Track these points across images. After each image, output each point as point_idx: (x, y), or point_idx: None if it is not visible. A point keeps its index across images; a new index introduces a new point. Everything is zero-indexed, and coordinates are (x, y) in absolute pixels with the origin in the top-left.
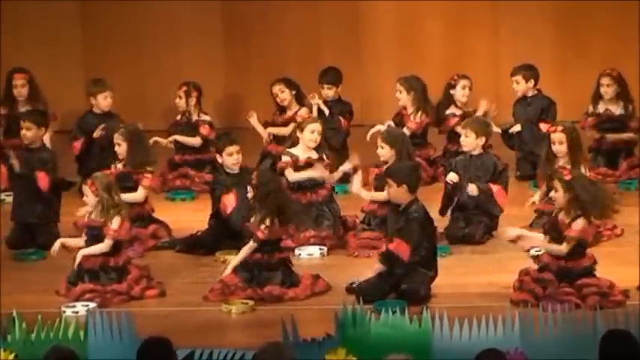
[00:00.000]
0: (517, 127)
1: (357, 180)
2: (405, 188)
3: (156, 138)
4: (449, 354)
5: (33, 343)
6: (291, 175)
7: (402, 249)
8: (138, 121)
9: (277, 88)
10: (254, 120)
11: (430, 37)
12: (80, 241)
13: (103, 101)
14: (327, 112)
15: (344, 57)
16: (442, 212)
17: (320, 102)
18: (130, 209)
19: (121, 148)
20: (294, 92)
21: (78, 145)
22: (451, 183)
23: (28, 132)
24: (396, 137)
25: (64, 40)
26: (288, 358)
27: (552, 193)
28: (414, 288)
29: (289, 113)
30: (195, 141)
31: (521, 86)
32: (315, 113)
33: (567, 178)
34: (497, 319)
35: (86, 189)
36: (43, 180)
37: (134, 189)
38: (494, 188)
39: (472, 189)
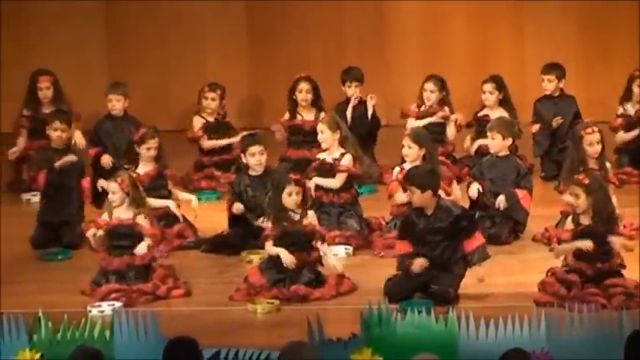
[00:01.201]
0: (536, 127)
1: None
2: (430, 194)
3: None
4: (474, 354)
5: (59, 342)
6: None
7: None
8: (157, 122)
9: (304, 87)
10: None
11: (454, 36)
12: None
13: (117, 104)
14: (370, 108)
15: (368, 57)
16: None
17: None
18: (155, 209)
19: (152, 150)
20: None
21: (93, 152)
22: (473, 198)
23: (58, 133)
24: (425, 137)
25: (88, 40)
26: (313, 357)
27: (572, 199)
28: (445, 290)
29: (308, 117)
30: (235, 139)
31: (552, 85)
32: (350, 112)
33: (586, 182)
34: (523, 319)
35: (115, 186)
36: (85, 185)
37: (163, 188)
38: (520, 194)
39: (501, 201)
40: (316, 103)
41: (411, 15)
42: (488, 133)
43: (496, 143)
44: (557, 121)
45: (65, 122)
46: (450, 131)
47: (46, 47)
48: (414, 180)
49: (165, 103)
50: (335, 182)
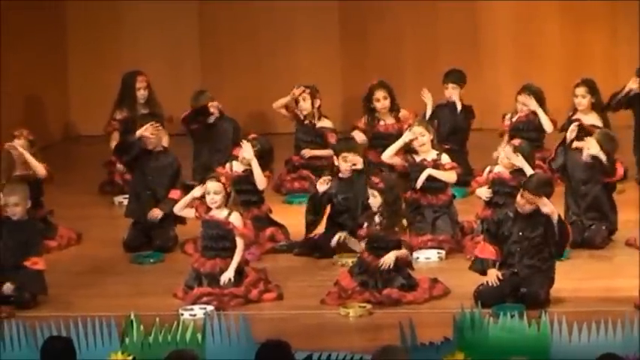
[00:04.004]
0: None
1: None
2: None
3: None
4: (567, 358)
5: (150, 346)
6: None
7: None
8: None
9: (381, 95)
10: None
11: (547, 38)
12: (191, 212)
13: (214, 111)
14: (459, 106)
15: (461, 58)
16: None
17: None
18: (248, 211)
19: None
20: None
21: None
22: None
23: (154, 136)
24: (530, 149)
25: (181, 40)
26: None
27: None
28: (534, 292)
29: (389, 121)
30: (327, 152)
31: None
32: (429, 111)
33: None
34: (617, 323)
35: (218, 185)
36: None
37: (252, 192)
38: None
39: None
40: (393, 107)
41: (503, 17)
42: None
43: (593, 153)
44: None
45: (158, 124)
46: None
47: (139, 48)
48: (537, 189)
49: (257, 104)
50: (451, 176)
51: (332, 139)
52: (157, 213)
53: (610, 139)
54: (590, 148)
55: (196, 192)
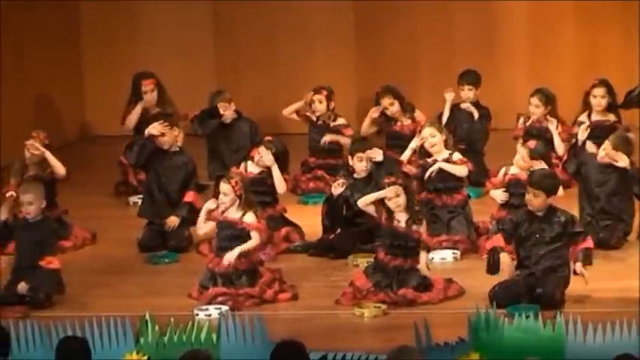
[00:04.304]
0: None
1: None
2: (553, 197)
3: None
4: (582, 359)
5: (165, 346)
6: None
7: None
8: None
9: (388, 102)
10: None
11: (563, 39)
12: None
13: (227, 112)
14: (476, 114)
15: (476, 58)
16: None
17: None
18: (263, 211)
19: (267, 156)
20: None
21: None
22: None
23: (164, 136)
24: (545, 150)
25: (196, 42)
26: None
27: None
28: (550, 292)
29: (405, 122)
30: (346, 140)
31: None
32: (446, 113)
33: None
34: (632, 324)
35: (228, 187)
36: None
37: (267, 193)
38: None
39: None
40: (405, 107)
41: (519, 17)
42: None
43: (609, 155)
44: None
45: (168, 124)
46: (558, 144)
47: (154, 48)
48: (541, 184)
49: (273, 104)
50: (462, 170)
51: (348, 132)
52: (174, 221)
53: (627, 142)
54: (620, 161)
55: (210, 205)
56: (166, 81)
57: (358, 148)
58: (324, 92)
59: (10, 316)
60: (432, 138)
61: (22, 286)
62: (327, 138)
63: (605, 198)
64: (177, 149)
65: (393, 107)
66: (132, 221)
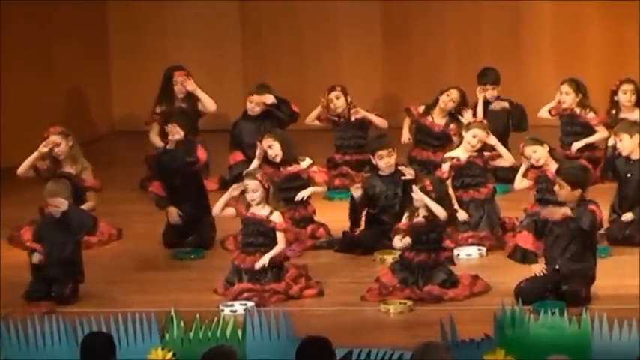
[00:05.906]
0: None
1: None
2: (579, 192)
3: None
4: (608, 355)
5: (191, 342)
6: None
7: None
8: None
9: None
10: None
11: (589, 37)
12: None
13: (256, 107)
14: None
15: (503, 57)
16: None
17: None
18: (295, 210)
19: (274, 149)
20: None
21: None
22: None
23: (174, 135)
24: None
25: (223, 39)
26: (446, 358)
27: None
28: (576, 289)
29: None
30: (384, 123)
31: None
32: (480, 114)
33: None
34: None
35: (256, 183)
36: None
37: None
38: None
39: (627, 217)
40: (454, 113)
41: (546, 15)
42: (615, 137)
43: (625, 145)
44: None
45: (180, 125)
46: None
47: (183, 46)
48: (566, 176)
49: (300, 102)
50: (508, 157)
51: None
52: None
53: (635, 126)
54: None
55: (234, 191)
56: (194, 77)
57: (377, 146)
58: (339, 87)
59: (36, 312)
60: (472, 139)
61: (36, 256)
62: (359, 112)
63: (631, 193)
64: (173, 146)
65: (338, 100)
66: (158, 217)
